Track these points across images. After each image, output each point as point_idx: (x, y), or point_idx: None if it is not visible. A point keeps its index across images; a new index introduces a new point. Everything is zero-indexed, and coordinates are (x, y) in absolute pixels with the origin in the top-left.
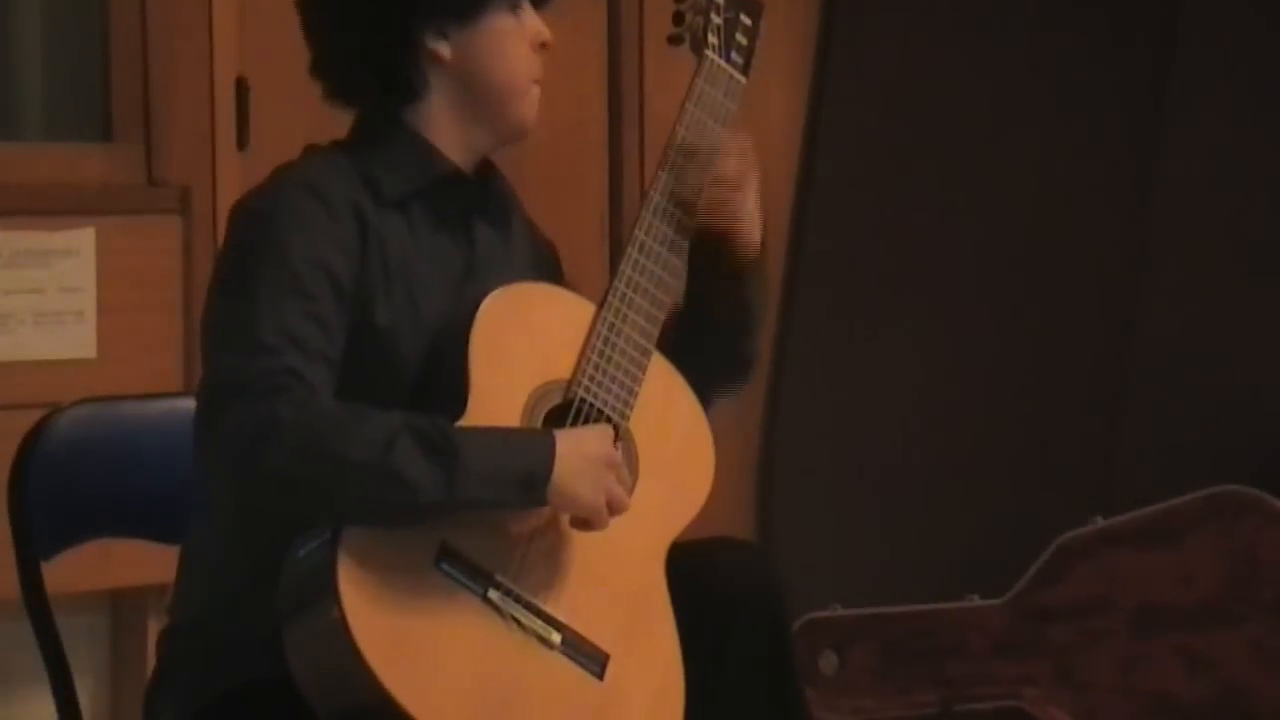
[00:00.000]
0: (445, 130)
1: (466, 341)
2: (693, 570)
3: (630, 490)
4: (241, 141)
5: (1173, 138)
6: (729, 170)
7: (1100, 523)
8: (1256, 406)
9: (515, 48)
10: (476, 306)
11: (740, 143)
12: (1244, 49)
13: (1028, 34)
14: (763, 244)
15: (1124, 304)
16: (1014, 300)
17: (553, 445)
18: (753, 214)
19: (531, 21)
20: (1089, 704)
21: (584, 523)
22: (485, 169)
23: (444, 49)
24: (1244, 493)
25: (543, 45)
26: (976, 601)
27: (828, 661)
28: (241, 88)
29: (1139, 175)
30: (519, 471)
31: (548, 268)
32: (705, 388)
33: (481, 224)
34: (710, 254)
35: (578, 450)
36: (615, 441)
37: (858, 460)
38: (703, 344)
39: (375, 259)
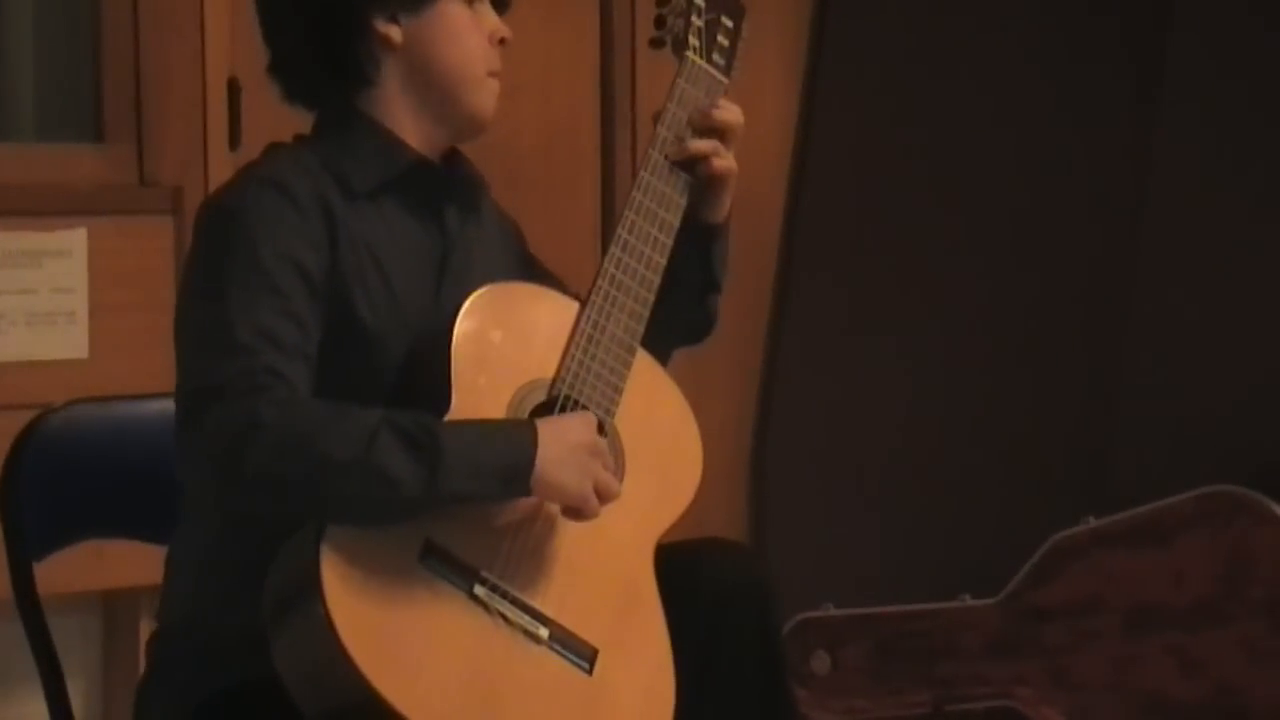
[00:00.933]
0: (402, 119)
1: (449, 341)
2: (682, 571)
3: (619, 478)
4: (233, 142)
5: (1166, 138)
6: (722, 117)
7: (1092, 523)
8: (1249, 407)
9: (468, 36)
10: (458, 303)
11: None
12: (1236, 47)
13: (1020, 33)
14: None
15: (1117, 303)
16: (1007, 300)
17: (534, 435)
18: (732, 169)
19: (488, 18)
20: (1081, 704)
21: (575, 512)
22: (451, 155)
23: (394, 33)
24: (1236, 493)
25: (501, 41)
26: (969, 601)
27: (820, 661)
28: (233, 88)
29: (1133, 175)
30: (501, 463)
31: (514, 252)
32: (663, 343)
33: (452, 210)
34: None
35: (560, 438)
36: (600, 432)
37: (850, 460)
38: (666, 301)
39: (348, 253)
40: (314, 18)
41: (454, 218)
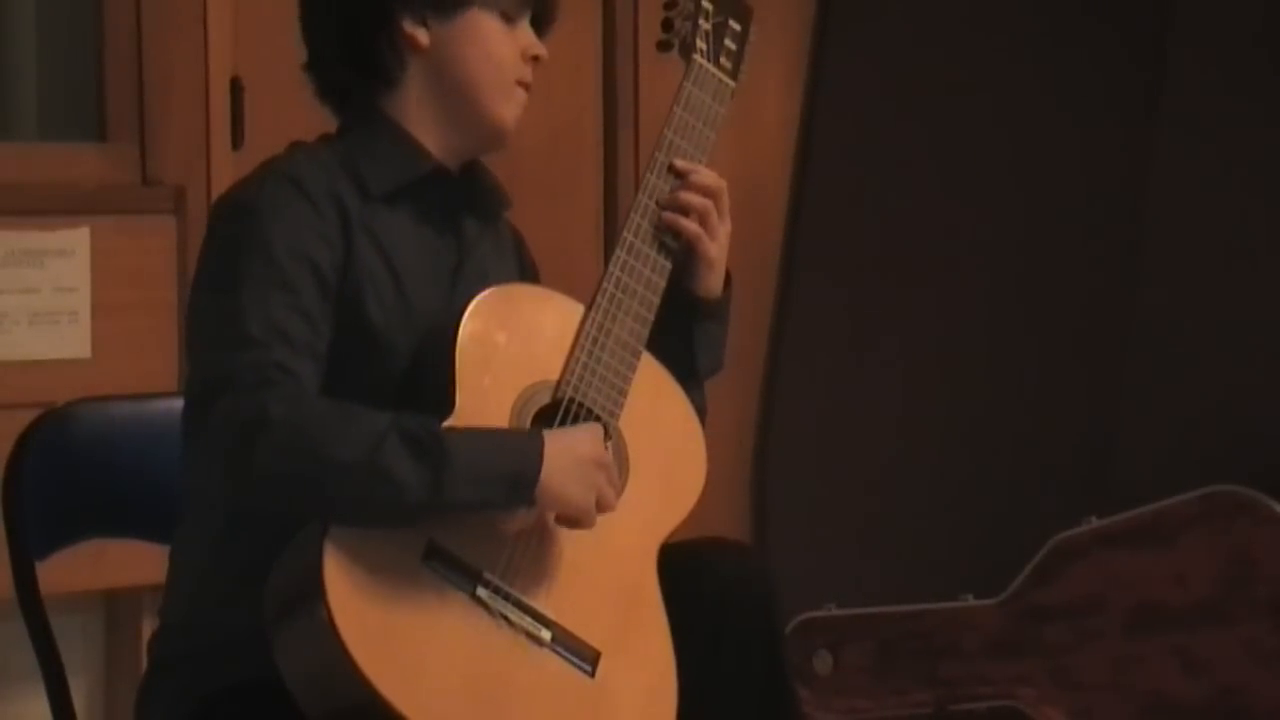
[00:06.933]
0: (424, 124)
1: (454, 341)
2: (684, 571)
3: (620, 490)
4: (236, 141)
5: (1168, 138)
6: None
7: (1095, 523)
8: (1251, 407)
9: (497, 47)
10: (465, 305)
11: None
12: (1238, 49)
13: (1021, 35)
14: (726, 289)
15: (1119, 304)
16: (1009, 300)
17: (541, 446)
18: (722, 249)
19: (525, 36)
20: (1084, 704)
21: (572, 521)
22: (472, 165)
23: (421, 35)
24: (1238, 493)
25: (535, 58)
26: (971, 601)
27: (822, 661)
28: (236, 87)
29: (1134, 175)
30: (507, 472)
31: (526, 276)
32: None
33: (470, 219)
34: (671, 287)
35: (568, 451)
36: (605, 440)
37: (852, 460)
38: None
39: (362, 254)
40: (344, 15)
41: (472, 227)
